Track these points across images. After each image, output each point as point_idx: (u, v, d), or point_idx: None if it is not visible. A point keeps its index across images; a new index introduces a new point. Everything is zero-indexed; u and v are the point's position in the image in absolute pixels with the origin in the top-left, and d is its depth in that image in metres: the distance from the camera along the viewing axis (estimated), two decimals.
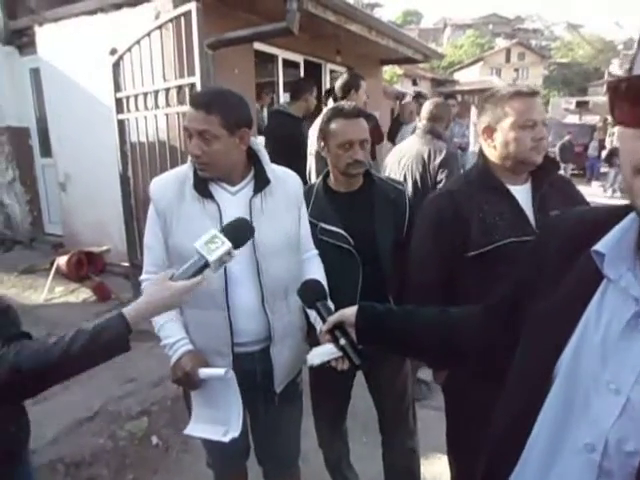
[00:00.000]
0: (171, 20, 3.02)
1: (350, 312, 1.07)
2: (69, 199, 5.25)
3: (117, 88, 3.64)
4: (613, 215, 0.70)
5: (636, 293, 0.61)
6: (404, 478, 2.00)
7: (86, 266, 4.69)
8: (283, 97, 5.62)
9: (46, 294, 4.40)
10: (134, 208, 3.90)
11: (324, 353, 1.21)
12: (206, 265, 1.13)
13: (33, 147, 5.89)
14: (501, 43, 48.92)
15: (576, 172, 15.99)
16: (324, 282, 1.60)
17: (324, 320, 1.12)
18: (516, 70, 46.69)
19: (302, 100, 3.94)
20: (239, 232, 1.23)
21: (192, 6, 2.80)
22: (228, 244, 1.14)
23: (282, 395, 1.59)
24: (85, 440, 2.64)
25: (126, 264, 4.33)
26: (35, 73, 5.41)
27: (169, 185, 1.50)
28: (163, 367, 3.16)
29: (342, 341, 1.06)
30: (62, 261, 4.59)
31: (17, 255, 5.76)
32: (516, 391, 0.73)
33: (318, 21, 4.51)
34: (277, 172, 1.56)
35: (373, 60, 7.10)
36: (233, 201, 1.47)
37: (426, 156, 2.99)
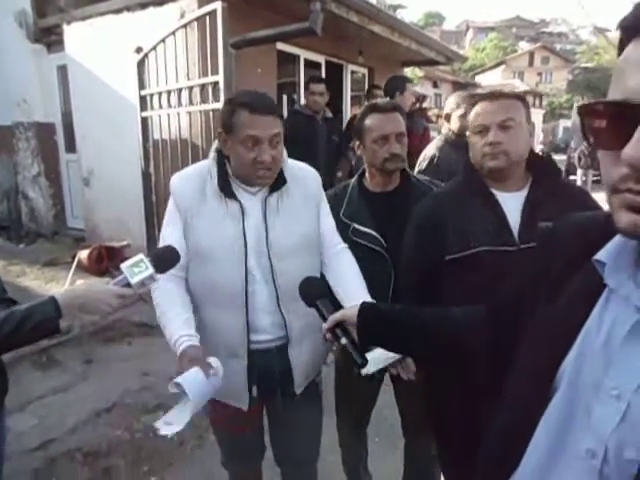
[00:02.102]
0: (196, 19, 3.06)
1: (351, 311, 1.06)
2: (92, 194, 5.36)
3: (141, 86, 3.70)
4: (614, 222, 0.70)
5: (637, 301, 0.61)
6: None
7: (106, 260, 4.78)
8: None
9: (67, 287, 4.48)
10: (155, 205, 3.95)
11: (379, 359, 1.21)
12: (128, 285, 1.22)
13: (58, 142, 6.02)
14: (524, 46, 48.28)
15: (597, 178, 15.68)
16: (359, 276, 1.57)
17: (324, 319, 1.10)
18: (539, 74, 46.03)
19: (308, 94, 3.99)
20: (164, 259, 1.30)
21: (217, 5, 2.83)
22: (151, 270, 1.23)
23: (302, 395, 1.57)
24: (103, 431, 2.69)
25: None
26: (62, 70, 5.53)
27: (190, 182, 1.47)
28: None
29: (343, 340, 1.05)
30: (83, 255, 4.69)
31: (40, 248, 5.89)
32: (517, 397, 0.73)
33: (341, 22, 4.51)
34: (295, 169, 1.53)
35: (395, 61, 7.07)
36: (254, 201, 1.46)
37: None
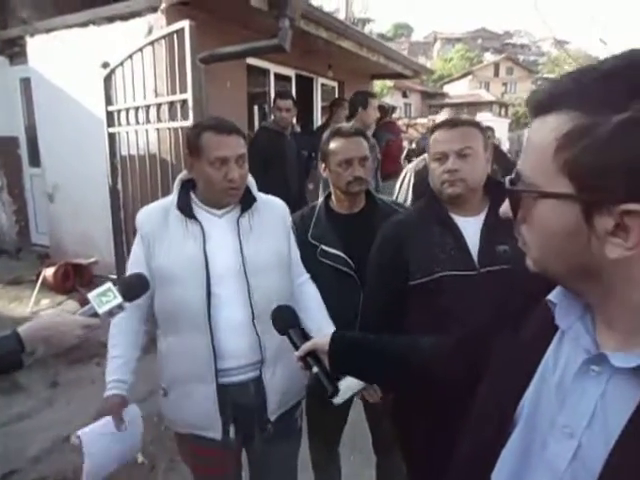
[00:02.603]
0: (164, 37, 3.03)
1: (323, 340, 1.07)
2: (57, 209, 5.21)
3: (108, 101, 3.64)
4: None
5: (585, 343, 0.63)
6: None
7: (73, 278, 4.65)
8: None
9: (32, 306, 4.35)
10: (123, 222, 3.88)
11: (349, 387, 1.21)
12: (96, 314, 1.21)
13: (22, 156, 5.84)
14: (490, 57, 49.71)
15: None
16: (323, 308, 1.64)
17: (296, 347, 1.11)
18: (504, 84, 47.41)
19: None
20: (133, 287, 1.30)
21: (185, 24, 2.82)
22: (119, 299, 1.22)
23: (278, 428, 1.55)
24: (69, 458, 2.59)
25: (114, 276, 4.31)
26: (25, 83, 5.39)
27: (154, 213, 1.52)
28: (149, 382, 3.13)
29: (315, 369, 1.05)
30: (49, 272, 4.55)
31: (3, 265, 5.68)
32: (479, 431, 0.74)
33: (310, 37, 4.56)
34: (263, 198, 1.59)
35: (364, 75, 7.19)
36: (218, 223, 1.49)
37: None
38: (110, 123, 3.68)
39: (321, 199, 1.89)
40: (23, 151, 5.82)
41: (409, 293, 1.48)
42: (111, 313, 1.24)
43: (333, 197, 1.85)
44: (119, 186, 3.85)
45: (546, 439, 0.64)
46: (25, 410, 3.02)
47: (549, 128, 0.56)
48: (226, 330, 1.45)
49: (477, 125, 1.49)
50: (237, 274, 1.44)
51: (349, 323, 1.71)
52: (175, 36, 2.96)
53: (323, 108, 6.73)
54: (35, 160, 5.53)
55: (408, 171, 3.37)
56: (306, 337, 1.14)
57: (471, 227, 1.46)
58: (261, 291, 1.46)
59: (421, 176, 2.81)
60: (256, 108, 5.72)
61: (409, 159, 8.44)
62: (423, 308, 1.44)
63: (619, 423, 0.56)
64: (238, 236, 1.45)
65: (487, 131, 5.66)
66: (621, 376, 0.57)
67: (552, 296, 0.67)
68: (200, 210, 1.49)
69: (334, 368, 1.05)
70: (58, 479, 2.47)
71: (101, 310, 1.21)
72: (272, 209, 1.58)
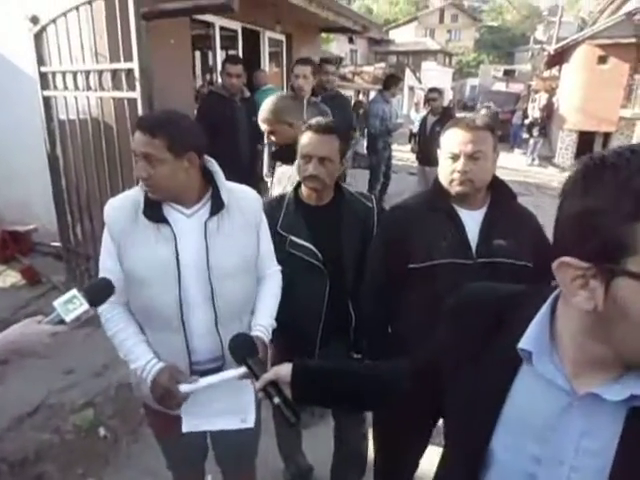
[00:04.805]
0: None
1: (285, 371, 1.05)
2: None
3: (41, 62, 3.34)
4: (527, 298, 0.79)
5: (561, 383, 0.69)
6: (354, 462, 2.14)
7: (12, 246, 4.43)
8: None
9: None
10: (65, 190, 3.70)
11: None
12: (63, 322, 1.23)
13: None
14: (435, 3, 49.04)
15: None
16: (275, 301, 1.67)
17: (256, 377, 1.08)
18: (449, 31, 47.26)
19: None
20: (99, 293, 1.32)
21: None
22: (86, 306, 1.24)
23: None
24: (28, 436, 2.60)
25: (57, 244, 4.14)
26: None
27: (123, 209, 1.48)
28: (104, 355, 3.10)
29: (276, 400, 1.03)
30: None
31: None
32: (451, 475, 0.82)
33: None
34: (234, 192, 1.54)
35: (313, 28, 6.96)
36: (188, 224, 1.47)
37: None
38: (44, 85, 3.40)
39: (290, 189, 1.90)
40: None
41: (408, 276, 1.60)
42: (78, 319, 1.25)
43: (302, 188, 1.86)
44: (58, 152, 3.63)
45: (534, 473, 0.72)
46: None
47: None
48: (196, 330, 1.50)
49: (490, 129, 1.58)
50: (203, 278, 1.46)
51: (317, 312, 1.82)
52: None
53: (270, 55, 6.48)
54: None
55: None
56: (262, 367, 1.14)
57: (473, 220, 1.58)
58: (225, 296, 1.48)
59: None
60: (199, 65, 5.45)
61: (357, 114, 8.40)
62: (420, 292, 1.57)
63: (607, 445, 0.65)
64: (205, 239, 1.45)
65: (436, 93, 5.79)
66: (603, 407, 0.66)
67: (525, 344, 0.72)
68: (170, 209, 1.47)
69: (297, 398, 1.04)
70: (19, 458, 2.46)
71: (68, 318, 1.22)
72: (243, 206, 1.55)
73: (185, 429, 1.52)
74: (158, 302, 1.45)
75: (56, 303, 1.24)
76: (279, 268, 1.71)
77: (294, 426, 1.05)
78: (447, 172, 1.57)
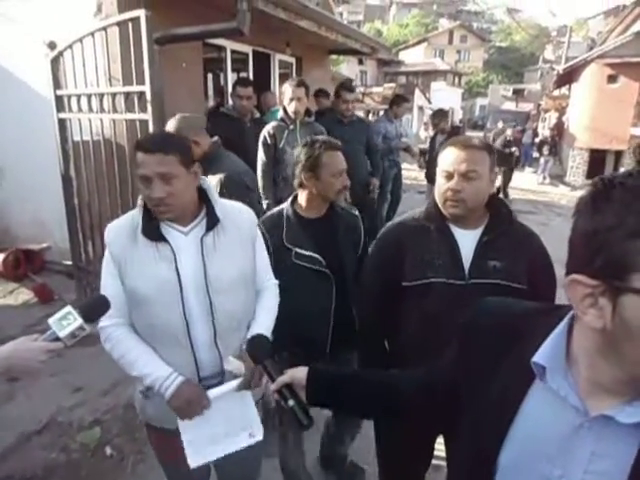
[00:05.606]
0: (118, 23, 2.90)
1: (300, 374, 1.07)
2: (4, 194, 4.95)
3: (57, 85, 3.46)
4: (542, 316, 0.78)
5: (574, 402, 0.69)
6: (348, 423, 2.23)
7: (24, 265, 4.50)
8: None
9: None
10: (77, 209, 3.77)
11: None
12: (58, 339, 1.23)
13: None
14: (445, 24, 49.67)
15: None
16: (271, 315, 1.68)
17: (272, 379, 1.10)
18: (458, 52, 47.72)
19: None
20: (94, 309, 1.33)
21: (141, 13, 2.70)
22: (80, 321, 1.24)
23: None
24: (36, 454, 2.60)
25: (68, 262, 4.21)
26: None
27: (122, 230, 1.50)
28: (111, 373, 3.11)
29: (290, 402, 1.05)
30: None
31: None
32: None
33: (268, 16, 4.45)
34: (228, 208, 1.56)
35: (322, 50, 7.10)
36: (186, 241, 1.48)
37: None
38: (60, 108, 3.51)
39: (287, 205, 1.98)
40: None
41: (402, 293, 1.60)
42: (74, 335, 1.25)
43: (301, 203, 1.96)
44: (72, 172, 3.72)
45: None
46: None
47: None
48: (200, 344, 1.51)
49: (487, 148, 1.55)
50: (202, 293, 1.48)
51: (326, 319, 1.92)
52: (130, 24, 2.83)
53: (281, 76, 6.60)
54: None
55: None
56: (282, 369, 1.14)
57: (468, 240, 1.56)
58: (224, 310, 1.50)
59: None
60: (211, 86, 5.57)
61: None
62: (413, 309, 1.57)
63: (617, 468, 0.65)
64: (202, 255, 1.47)
65: (438, 117, 5.82)
66: (615, 429, 0.65)
67: (539, 359, 0.71)
68: (168, 228, 1.48)
69: (312, 402, 1.06)
70: (27, 476, 2.47)
71: (62, 334, 1.22)
72: (238, 221, 1.57)
73: (193, 464, 1.50)
74: (163, 319, 1.47)
75: (51, 320, 1.24)
76: (276, 282, 1.73)
77: (307, 429, 1.06)
78: (442, 190, 1.55)
